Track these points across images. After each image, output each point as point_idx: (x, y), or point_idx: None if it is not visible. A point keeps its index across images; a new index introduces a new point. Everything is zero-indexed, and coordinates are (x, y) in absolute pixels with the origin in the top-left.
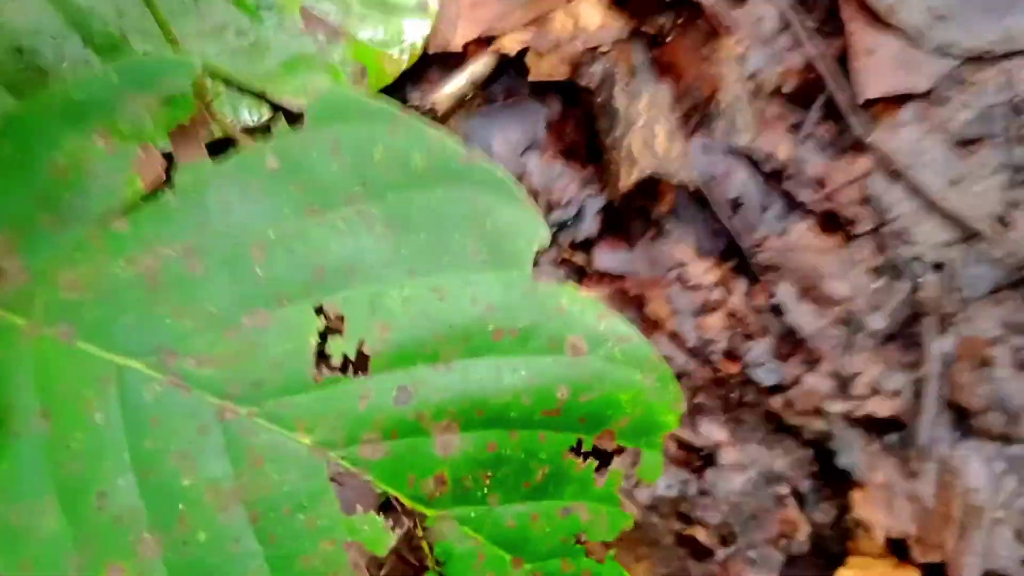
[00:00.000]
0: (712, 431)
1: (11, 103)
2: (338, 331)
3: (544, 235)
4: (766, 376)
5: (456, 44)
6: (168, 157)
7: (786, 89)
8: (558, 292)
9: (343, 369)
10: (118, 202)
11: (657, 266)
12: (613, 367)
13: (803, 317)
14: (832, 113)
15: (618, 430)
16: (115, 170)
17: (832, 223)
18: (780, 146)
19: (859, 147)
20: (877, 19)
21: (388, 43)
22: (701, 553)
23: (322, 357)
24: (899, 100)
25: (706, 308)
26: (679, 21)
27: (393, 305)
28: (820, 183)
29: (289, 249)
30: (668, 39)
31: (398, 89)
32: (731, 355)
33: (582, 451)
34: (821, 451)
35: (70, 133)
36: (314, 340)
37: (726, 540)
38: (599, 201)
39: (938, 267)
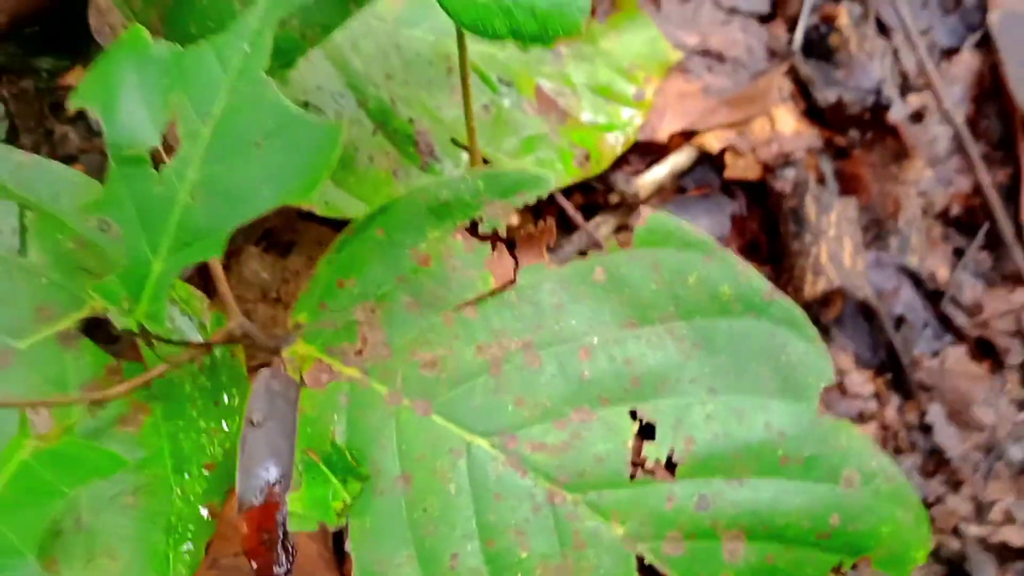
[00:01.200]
0: None
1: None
2: (648, 435)
3: (830, 374)
4: None
5: (662, 135)
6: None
7: (953, 211)
8: (838, 428)
9: (653, 471)
10: (471, 293)
11: None
12: (879, 502)
13: (950, 439)
14: (994, 241)
15: (874, 558)
16: (471, 265)
17: (984, 349)
18: (941, 267)
19: (1017, 279)
20: None
21: (608, 128)
22: None
23: (637, 459)
24: None
25: (862, 417)
26: (867, 136)
27: (697, 419)
28: (977, 309)
29: (609, 355)
30: (855, 152)
31: (604, 172)
32: None
33: (841, 571)
34: (955, 570)
35: (435, 227)
36: (630, 441)
37: None
38: None
39: None
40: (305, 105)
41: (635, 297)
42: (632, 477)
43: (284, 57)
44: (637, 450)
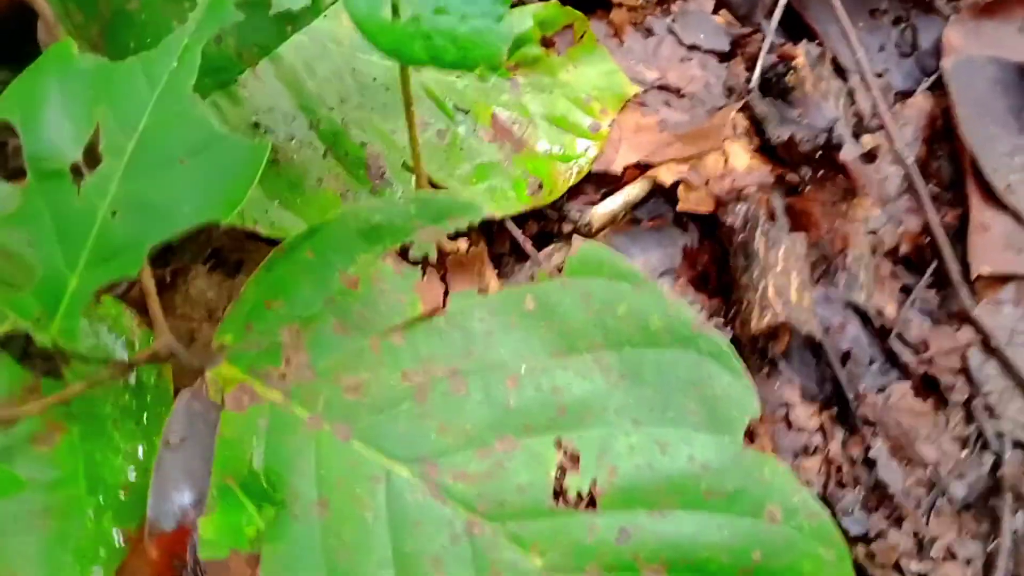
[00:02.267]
0: None
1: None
2: (572, 466)
3: (755, 407)
4: (853, 525)
5: (616, 167)
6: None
7: (902, 250)
8: (762, 462)
9: (575, 503)
10: (399, 318)
11: (767, 403)
12: (802, 538)
13: (893, 474)
14: (941, 280)
15: None
16: (400, 290)
17: (929, 386)
18: (889, 305)
19: (962, 317)
20: (995, 197)
21: (562, 158)
22: None
23: (559, 490)
24: (1004, 279)
25: (807, 451)
26: (819, 174)
27: (621, 450)
28: (923, 346)
29: (537, 384)
30: (806, 189)
31: (558, 201)
32: (824, 500)
33: None
34: None
35: (365, 250)
36: (553, 472)
37: None
38: (726, 334)
39: (1020, 446)
40: (256, 126)
41: (565, 326)
42: (554, 508)
43: (219, 76)
44: (560, 480)
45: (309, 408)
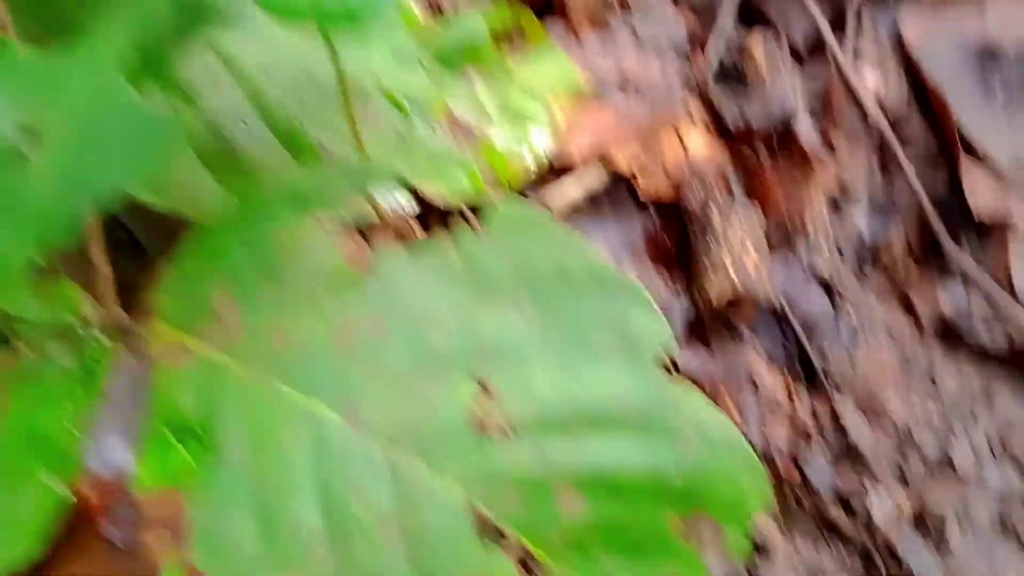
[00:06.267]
0: (769, 528)
1: (208, 176)
2: (492, 400)
3: (669, 341)
4: (823, 485)
5: (573, 156)
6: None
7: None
8: (676, 388)
9: (494, 433)
10: (325, 276)
11: (732, 372)
12: (715, 456)
13: (862, 434)
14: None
15: (712, 509)
16: (325, 250)
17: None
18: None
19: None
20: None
21: (516, 149)
22: None
23: (477, 420)
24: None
25: (773, 416)
26: (777, 155)
27: (539, 382)
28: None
29: (460, 329)
30: (765, 170)
31: (516, 190)
32: (793, 461)
33: (681, 523)
34: (868, 559)
35: (293, 215)
36: (471, 404)
37: None
38: (687, 307)
39: None
40: (216, 128)
41: (487, 277)
42: (473, 439)
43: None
44: (480, 413)
45: (238, 359)
